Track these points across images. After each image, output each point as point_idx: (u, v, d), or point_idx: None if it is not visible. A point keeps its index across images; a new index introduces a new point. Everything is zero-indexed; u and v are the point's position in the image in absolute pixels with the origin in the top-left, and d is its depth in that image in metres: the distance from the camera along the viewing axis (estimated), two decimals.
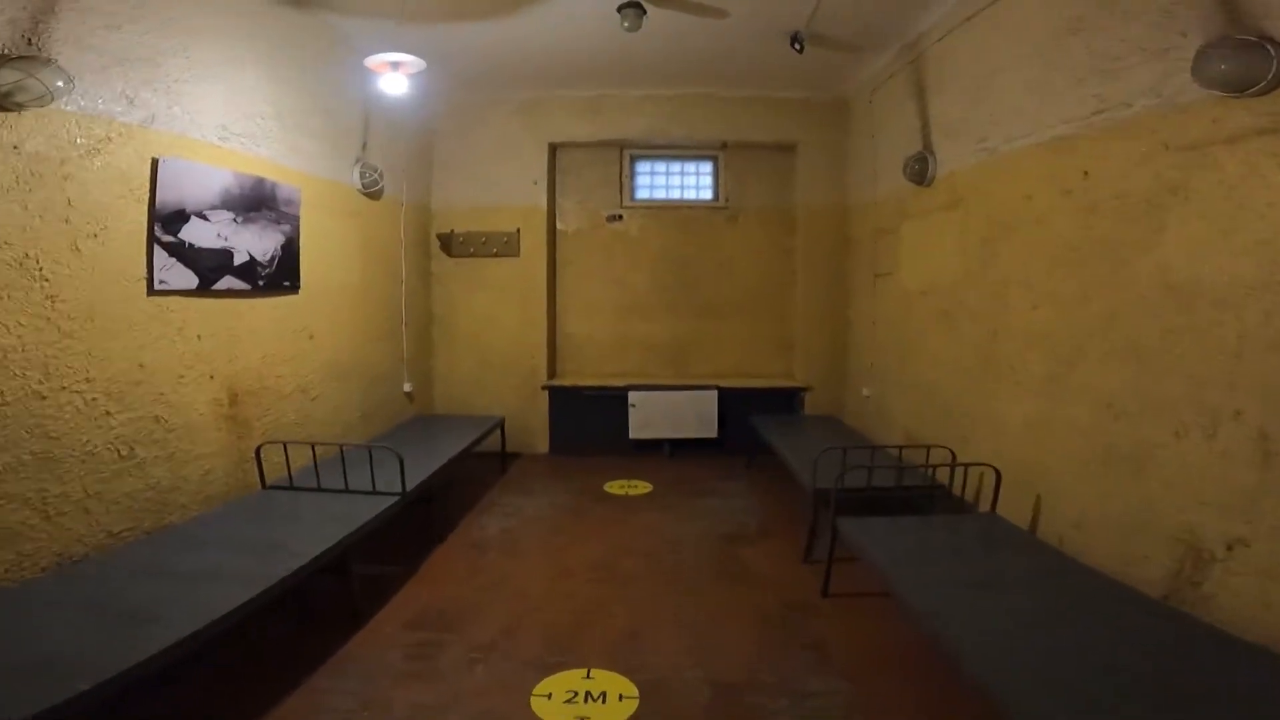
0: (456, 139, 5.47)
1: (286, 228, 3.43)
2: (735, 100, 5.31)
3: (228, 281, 3.03)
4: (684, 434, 5.39)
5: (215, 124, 2.98)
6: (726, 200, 5.63)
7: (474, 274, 5.54)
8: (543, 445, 5.62)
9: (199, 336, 2.95)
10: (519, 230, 5.47)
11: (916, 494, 3.27)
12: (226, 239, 3.00)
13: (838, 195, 5.34)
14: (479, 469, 4.89)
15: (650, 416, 5.37)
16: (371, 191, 4.42)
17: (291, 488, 3.19)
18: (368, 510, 2.93)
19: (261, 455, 3.17)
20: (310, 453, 3.30)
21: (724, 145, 5.56)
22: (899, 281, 4.38)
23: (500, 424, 5.01)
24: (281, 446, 3.17)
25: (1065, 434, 2.70)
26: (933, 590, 2.19)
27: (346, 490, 3.16)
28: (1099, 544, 2.45)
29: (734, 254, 5.63)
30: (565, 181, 5.70)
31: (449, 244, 5.52)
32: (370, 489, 3.14)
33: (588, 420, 5.53)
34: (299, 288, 3.63)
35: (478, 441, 4.47)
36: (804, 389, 5.42)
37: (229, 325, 3.13)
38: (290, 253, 3.49)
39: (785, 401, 5.50)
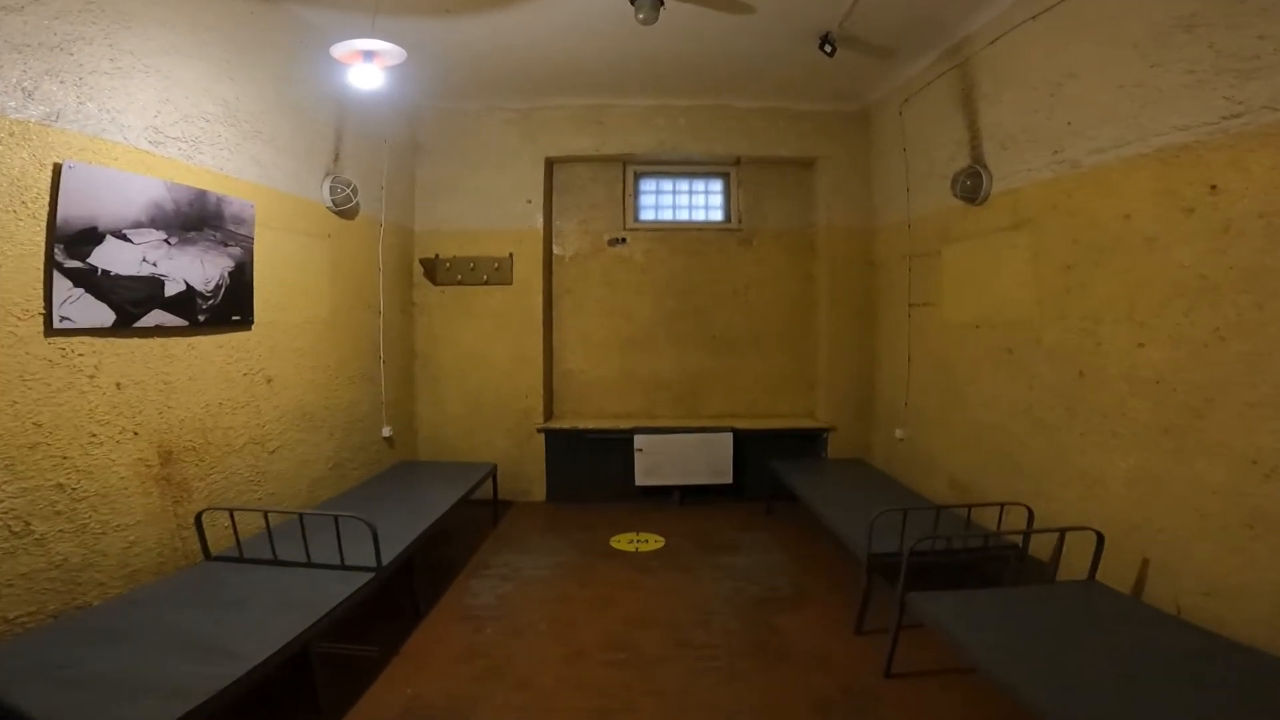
0: (443, 152, 4.97)
1: (236, 250, 2.89)
2: (750, 112, 4.87)
3: (156, 317, 2.47)
4: (696, 480, 4.83)
5: (144, 125, 2.45)
6: (740, 221, 5.16)
7: (462, 304, 5.00)
8: (539, 493, 5.04)
9: (118, 385, 2.38)
10: (512, 255, 4.96)
11: (986, 558, 2.75)
12: (155, 265, 2.44)
13: (862, 216, 4.88)
14: (468, 520, 4.30)
15: (658, 461, 4.81)
16: (344, 209, 3.89)
17: (240, 559, 2.64)
18: (334, 591, 2.40)
19: (204, 522, 2.60)
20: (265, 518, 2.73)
21: (737, 161, 5.11)
22: (941, 313, 3.89)
23: (492, 472, 4.44)
24: (229, 512, 2.61)
25: (1190, 493, 2.23)
26: (1062, 682, 1.74)
27: (308, 563, 2.61)
28: (1241, 615, 2.04)
29: (748, 281, 5.14)
30: (563, 201, 5.21)
31: (434, 270, 4.99)
32: (338, 562, 2.58)
33: (589, 466, 4.97)
34: (252, 322, 3.07)
35: (468, 495, 3.89)
36: (827, 429, 4.89)
37: (160, 370, 2.56)
38: (241, 281, 2.93)
39: (806, 444, 4.97)
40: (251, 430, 3.11)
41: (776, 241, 5.13)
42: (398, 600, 3.10)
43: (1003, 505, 2.74)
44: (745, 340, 5.15)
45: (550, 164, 5.08)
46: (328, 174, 3.79)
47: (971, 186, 3.40)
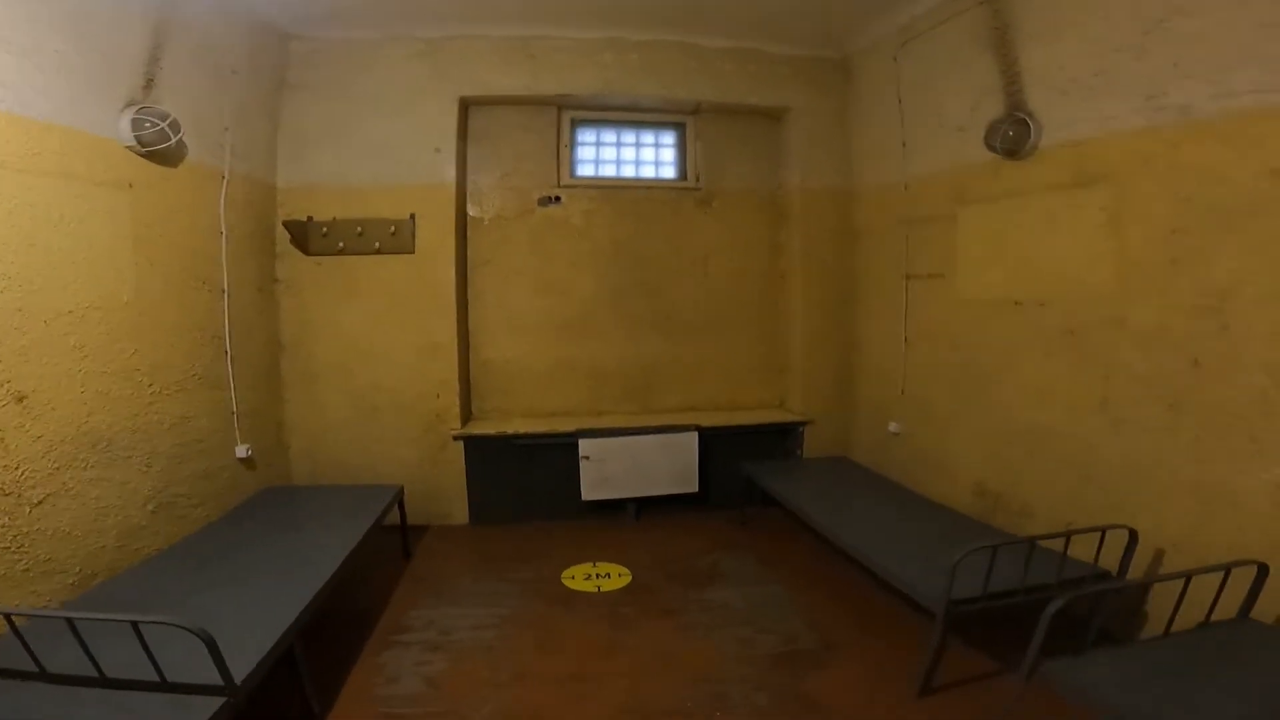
0: (321, 91, 3.73)
1: None
2: (717, 52, 4.01)
3: None
4: (656, 490, 4.01)
5: None
6: (698, 180, 4.33)
7: (346, 279, 3.81)
8: (460, 514, 4.01)
9: None
10: (414, 217, 3.83)
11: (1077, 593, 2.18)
12: None
13: (842, 176, 4.21)
14: (371, 552, 3.18)
15: (609, 470, 3.94)
16: (155, 151, 2.65)
17: None
18: None
19: None
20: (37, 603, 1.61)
21: (696, 109, 4.26)
22: (953, 287, 3.31)
23: (398, 496, 3.37)
24: None
25: None
26: None
27: (101, 681, 1.62)
28: None
29: (708, 249, 4.34)
30: (482, 151, 4.12)
31: (305, 236, 3.75)
32: (155, 676, 1.58)
33: (522, 478, 4.00)
34: None
35: (367, 535, 2.83)
36: (803, 423, 4.24)
37: None
38: None
39: (778, 440, 4.30)
40: None
41: (741, 204, 4.35)
42: (276, 701, 2.06)
43: (1103, 531, 2.15)
44: (706, 320, 4.36)
45: (466, 106, 3.98)
46: (131, 103, 2.55)
47: (1015, 138, 2.79)
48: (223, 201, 3.18)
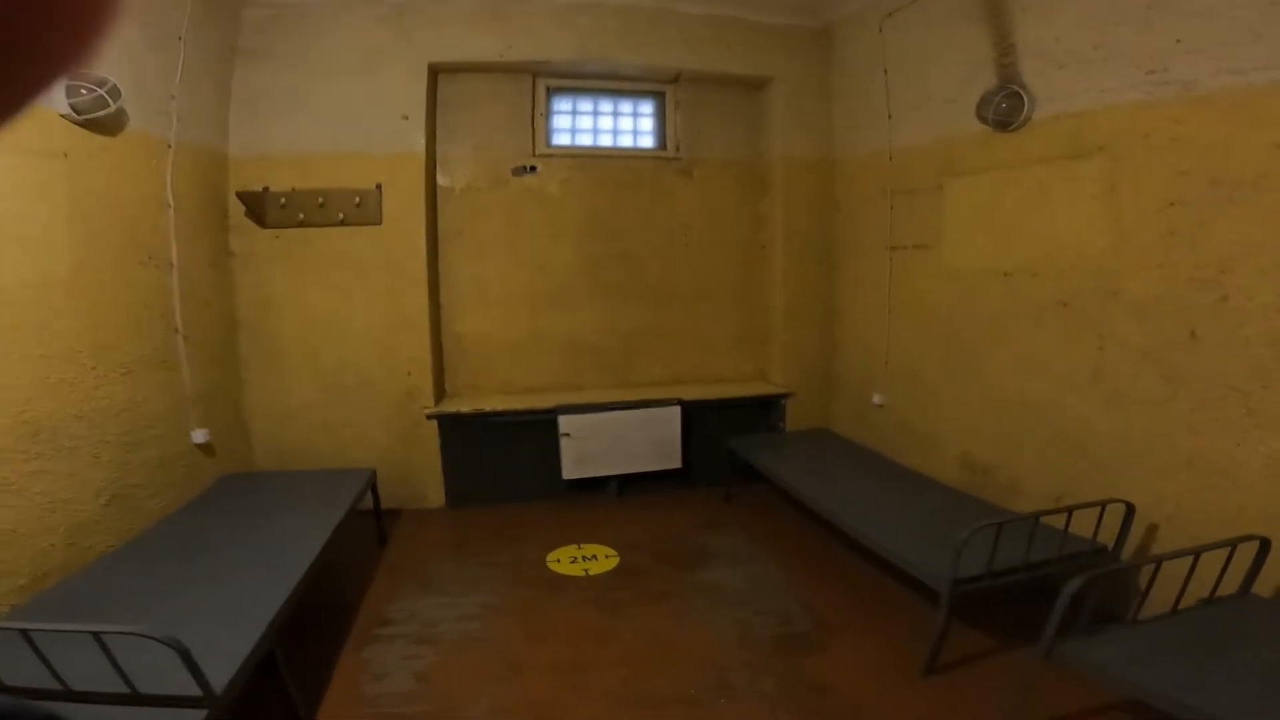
0: (278, 58, 3.44)
1: None
2: (696, 19, 3.83)
3: None
4: (639, 467, 3.94)
5: None
6: (678, 149, 4.17)
7: (307, 252, 3.56)
8: (436, 497, 3.86)
9: None
10: (380, 187, 3.59)
11: (1074, 568, 2.20)
12: None
13: (824, 146, 4.12)
14: (344, 541, 2.99)
15: (590, 447, 3.84)
16: (93, 119, 2.39)
17: None
18: None
19: None
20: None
21: (676, 78, 4.09)
22: (940, 257, 3.28)
23: (370, 481, 3.21)
24: None
25: None
26: None
27: (66, 694, 1.48)
28: None
29: (689, 220, 4.21)
30: (453, 120, 3.87)
31: (262, 208, 3.48)
32: (124, 688, 1.45)
33: (500, 457, 3.88)
34: None
35: (341, 525, 2.68)
36: (784, 395, 4.21)
37: None
38: None
39: (760, 413, 4.26)
40: None
41: (722, 174, 4.22)
42: (257, 706, 1.93)
43: (1103, 505, 2.16)
44: (686, 291, 4.26)
45: (435, 73, 3.72)
46: None
47: (1008, 109, 2.73)
48: (170, 172, 2.90)
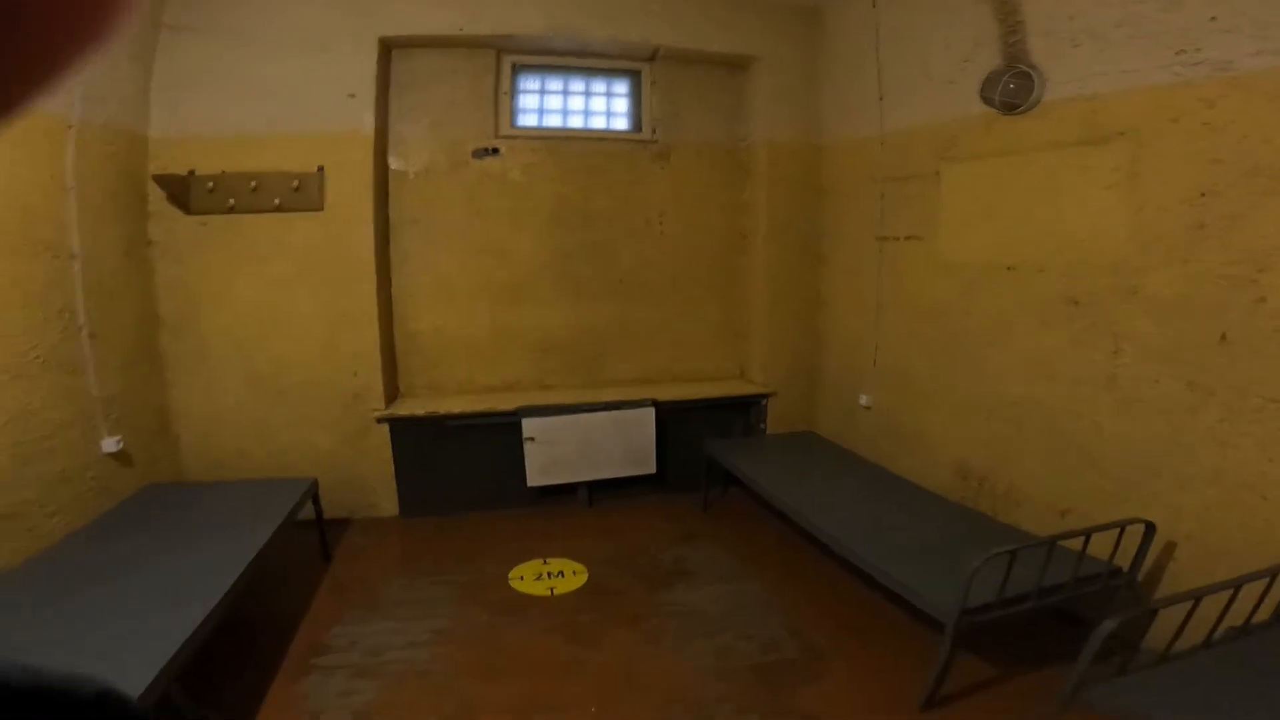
0: (208, 32, 3.07)
1: None
2: None
3: None
4: (610, 473, 3.66)
5: None
6: (653, 132, 3.87)
7: (239, 241, 3.20)
8: (389, 505, 3.54)
9: None
10: (322, 170, 3.24)
11: (1091, 594, 2.01)
12: None
13: (809, 130, 3.86)
14: (284, 551, 2.62)
15: (558, 452, 3.56)
16: None
17: None
18: None
19: None
20: None
21: (653, 56, 3.78)
22: (935, 249, 3.05)
23: (310, 492, 2.88)
24: None
25: None
26: None
27: None
28: None
29: (664, 207, 3.92)
30: (408, 100, 3.52)
31: (185, 192, 3.11)
32: None
33: (459, 463, 3.57)
34: None
35: (272, 541, 2.36)
36: (765, 395, 3.97)
37: None
38: None
39: (738, 414, 4.01)
40: None
41: (700, 158, 3.94)
42: None
43: (1123, 526, 1.94)
44: (660, 284, 3.97)
45: (388, 47, 3.37)
46: None
47: (1016, 90, 2.50)
48: (70, 154, 2.52)
